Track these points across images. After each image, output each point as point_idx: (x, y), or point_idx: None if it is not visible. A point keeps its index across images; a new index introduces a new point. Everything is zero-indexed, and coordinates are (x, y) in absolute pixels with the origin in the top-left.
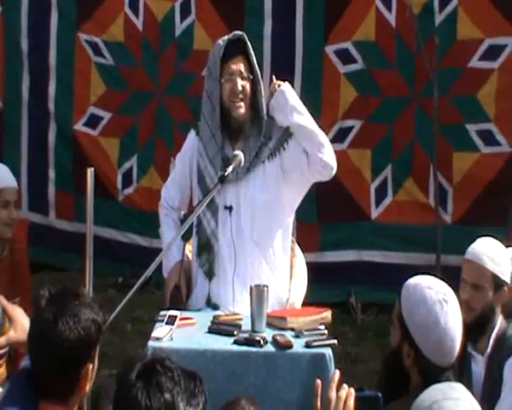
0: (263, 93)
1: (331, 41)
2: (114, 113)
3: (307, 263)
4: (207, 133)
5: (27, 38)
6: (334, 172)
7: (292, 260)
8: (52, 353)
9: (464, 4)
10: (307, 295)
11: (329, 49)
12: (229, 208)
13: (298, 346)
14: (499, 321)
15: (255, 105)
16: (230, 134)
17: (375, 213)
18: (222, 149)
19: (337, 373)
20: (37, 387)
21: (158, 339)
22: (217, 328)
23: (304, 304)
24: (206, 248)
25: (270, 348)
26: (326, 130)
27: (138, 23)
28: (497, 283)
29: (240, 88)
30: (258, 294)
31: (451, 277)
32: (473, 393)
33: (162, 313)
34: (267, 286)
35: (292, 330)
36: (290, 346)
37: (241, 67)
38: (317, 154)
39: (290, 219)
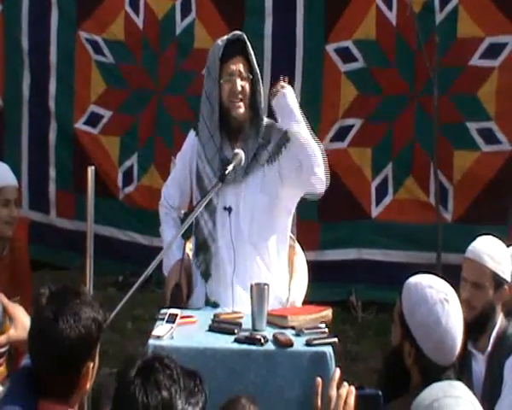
0: (262, 93)
1: (331, 40)
2: (115, 111)
3: (308, 261)
4: (206, 134)
5: (28, 36)
6: (324, 187)
7: (292, 259)
8: (52, 351)
9: (465, 3)
10: (308, 294)
11: (330, 48)
12: (229, 209)
13: (298, 344)
14: (500, 320)
15: (254, 105)
16: (230, 134)
17: (375, 211)
18: (221, 149)
19: (337, 371)
20: (37, 385)
21: (158, 337)
22: (217, 326)
23: (304, 302)
24: (202, 249)
25: (270, 346)
26: (326, 128)
27: (139, 21)
28: (498, 281)
29: (239, 88)
30: (258, 292)
31: (452, 275)
32: (473, 391)
33: (163, 311)
34: (268, 284)
35: (292, 328)
36: (291, 344)
37: (241, 67)
38: (308, 164)
39: (288, 221)
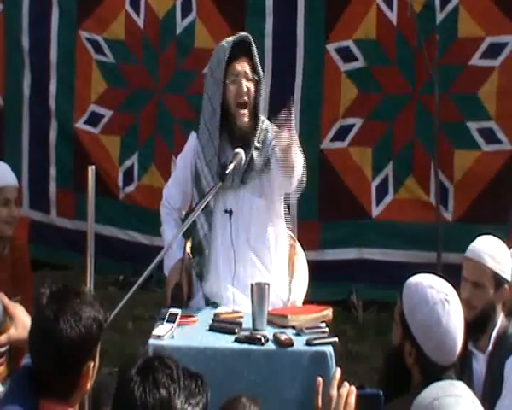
0: (263, 95)
1: (332, 39)
2: (115, 111)
3: (308, 261)
4: (206, 136)
5: (28, 35)
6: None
7: (293, 259)
8: (53, 351)
9: (465, 2)
10: (308, 293)
11: (330, 48)
12: (230, 212)
13: (299, 344)
14: (500, 319)
15: (255, 108)
16: (231, 139)
17: (375, 211)
18: (220, 151)
19: (338, 371)
20: (38, 385)
21: (159, 337)
22: (218, 326)
23: (305, 302)
24: (197, 251)
25: (271, 346)
26: (327, 128)
27: (139, 21)
28: (498, 281)
29: (245, 89)
30: (259, 292)
31: (452, 275)
32: (474, 391)
33: (163, 310)
34: (268, 284)
35: (293, 328)
36: (291, 344)
37: (247, 68)
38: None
39: (282, 221)
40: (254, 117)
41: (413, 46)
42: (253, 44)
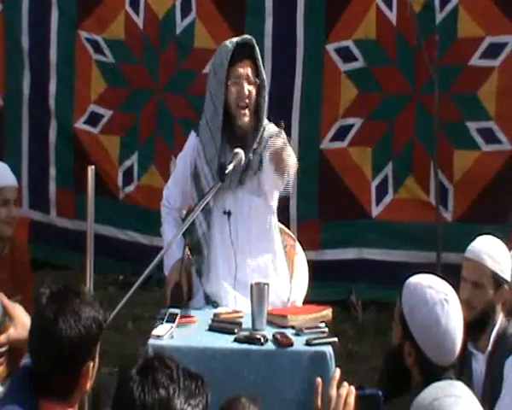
0: (266, 99)
1: (332, 39)
2: (115, 111)
3: (308, 261)
4: (207, 135)
5: (28, 35)
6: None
7: (293, 258)
8: (53, 351)
9: (465, 2)
10: (308, 293)
11: (330, 48)
12: (228, 213)
13: (298, 344)
14: (500, 319)
15: (257, 111)
16: (232, 139)
17: (375, 211)
18: (220, 151)
19: (337, 371)
20: (37, 385)
21: (158, 337)
22: (217, 326)
23: (304, 302)
24: (196, 250)
25: (270, 346)
26: (327, 128)
27: (139, 21)
28: (498, 281)
29: (246, 93)
30: (258, 292)
31: (452, 275)
32: (473, 391)
33: (163, 310)
34: (268, 284)
35: (292, 328)
36: (291, 344)
37: (249, 71)
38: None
39: (275, 218)
40: (256, 119)
41: (413, 46)
42: (257, 48)
